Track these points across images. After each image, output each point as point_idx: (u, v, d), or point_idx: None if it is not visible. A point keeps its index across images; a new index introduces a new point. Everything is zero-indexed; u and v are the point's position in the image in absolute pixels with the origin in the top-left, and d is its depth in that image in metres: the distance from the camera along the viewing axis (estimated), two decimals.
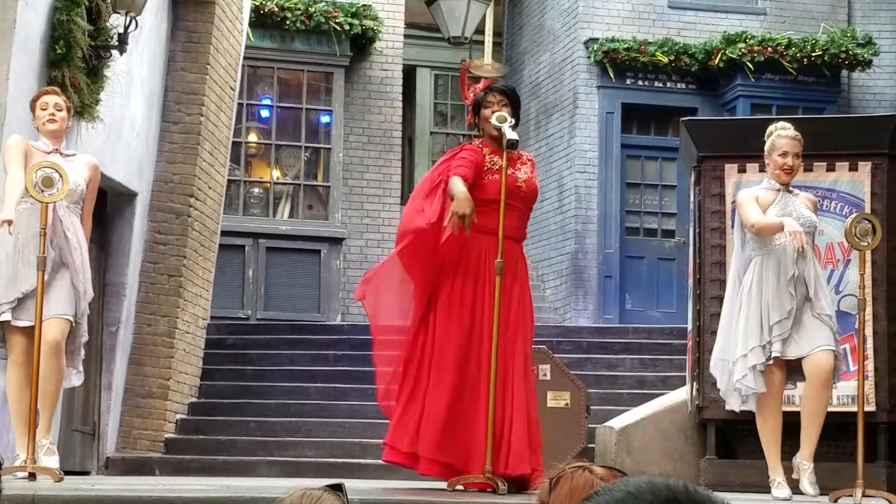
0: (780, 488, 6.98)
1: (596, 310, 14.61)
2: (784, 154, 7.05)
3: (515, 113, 6.51)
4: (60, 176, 6.30)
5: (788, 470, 7.13)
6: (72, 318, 6.57)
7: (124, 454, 9.82)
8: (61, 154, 6.69)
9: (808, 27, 15.10)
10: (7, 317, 6.52)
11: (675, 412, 9.13)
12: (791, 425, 7.33)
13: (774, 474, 7.04)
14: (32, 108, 6.79)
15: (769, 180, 7.13)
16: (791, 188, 7.16)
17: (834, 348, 6.97)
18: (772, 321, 6.90)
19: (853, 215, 7.23)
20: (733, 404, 7.24)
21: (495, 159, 6.43)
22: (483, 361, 6.25)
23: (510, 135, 6.29)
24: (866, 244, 6.97)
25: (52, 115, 6.66)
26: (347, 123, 14.69)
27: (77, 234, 6.63)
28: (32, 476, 6.13)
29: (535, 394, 6.62)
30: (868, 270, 7.36)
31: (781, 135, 7.11)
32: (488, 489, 6.12)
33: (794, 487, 7.09)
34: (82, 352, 6.78)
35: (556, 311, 14.72)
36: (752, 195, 7.08)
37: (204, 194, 10.72)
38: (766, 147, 7.16)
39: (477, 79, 6.93)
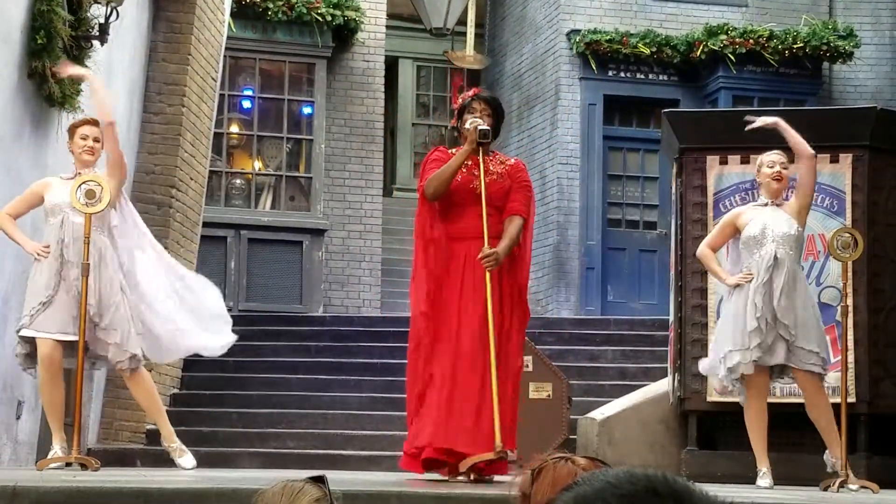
0: (764, 478, 7.14)
1: (578, 301, 14.63)
2: (771, 164, 7.36)
3: (497, 124, 6.64)
4: (102, 188, 6.69)
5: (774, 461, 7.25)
6: (59, 338, 6.79)
7: (105, 445, 9.78)
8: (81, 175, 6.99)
9: (789, 19, 15.13)
10: (26, 332, 6.82)
11: (656, 403, 9.15)
12: (781, 416, 7.43)
13: (761, 465, 7.20)
14: (71, 134, 7.10)
15: (762, 196, 7.44)
16: (783, 201, 7.43)
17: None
18: (747, 330, 7.19)
19: (835, 230, 7.38)
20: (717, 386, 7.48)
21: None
22: (468, 357, 6.38)
23: (482, 126, 6.40)
24: (848, 255, 7.18)
25: (92, 147, 7.01)
26: (329, 114, 14.67)
27: (100, 249, 6.85)
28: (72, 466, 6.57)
29: (517, 377, 6.69)
30: (849, 272, 7.51)
31: (765, 154, 7.46)
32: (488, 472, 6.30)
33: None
34: (122, 356, 6.95)
35: (539, 303, 14.73)
36: (733, 215, 7.51)
37: (185, 185, 10.69)
38: (756, 169, 7.51)
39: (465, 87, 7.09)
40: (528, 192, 6.64)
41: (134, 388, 7.06)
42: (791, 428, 8.05)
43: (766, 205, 7.38)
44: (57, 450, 6.75)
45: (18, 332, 6.86)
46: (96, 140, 7.01)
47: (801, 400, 7.47)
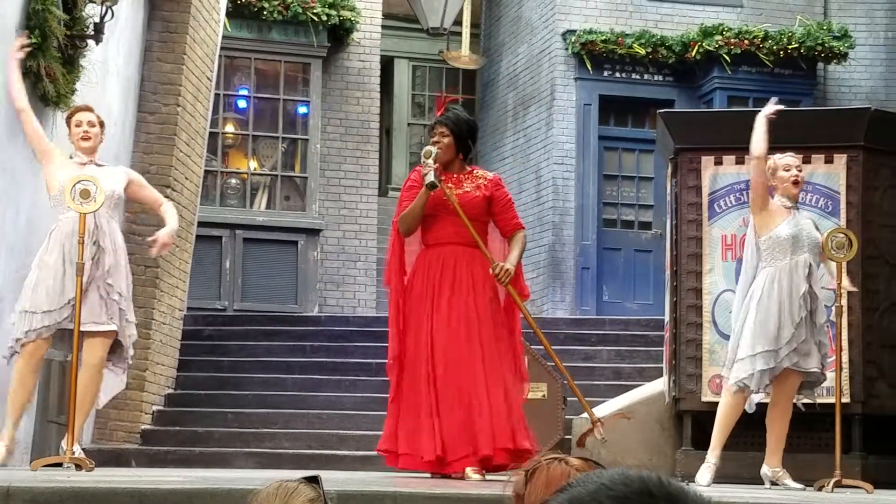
0: (708, 471, 7.10)
1: (573, 301, 14.63)
2: (787, 168, 7.32)
3: (461, 138, 6.92)
4: (97, 188, 6.60)
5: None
6: (107, 327, 6.88)
7: (100, 446, 9.78)
8: (95, 164, 6.99)
9: (784, 20, 15.14)
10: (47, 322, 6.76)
11: (651, 403, 9.16)
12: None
13: (714, 457, 7.21)
14: (68, 124, 7.13)
15: (781, 198, 7.37)
16: (799, 207, 7.45)
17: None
18: (783, 332, 7.11)
19: (829, 229, 7.39)
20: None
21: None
22: (444, 357, 6.70)
23: (428, 179, 6.71)
24: (842, 256, 7.18)
25: (87, 132, 7.01)
26: (325, 114, 14.66)
27: (115, 240, 6.92)
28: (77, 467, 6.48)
29: (519, 375, 7.01)
30: (844, 272, 7.52)
31: (780, 157, 7.40)
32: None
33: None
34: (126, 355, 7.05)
35: (534, 303, 14.73)
36: (766, 197, 7.36)
37: (181, 185, 10.68)
38: (769, 172, 7.37)
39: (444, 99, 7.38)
40: (514, 206, 7.13)
41: (91, 377, 6.84)
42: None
43: (789, 208, 7.33)
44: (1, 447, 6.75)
45: (47, 325, 6.77)
46: (91, 125, 7.00)
47: (807, 400, 7.50)
